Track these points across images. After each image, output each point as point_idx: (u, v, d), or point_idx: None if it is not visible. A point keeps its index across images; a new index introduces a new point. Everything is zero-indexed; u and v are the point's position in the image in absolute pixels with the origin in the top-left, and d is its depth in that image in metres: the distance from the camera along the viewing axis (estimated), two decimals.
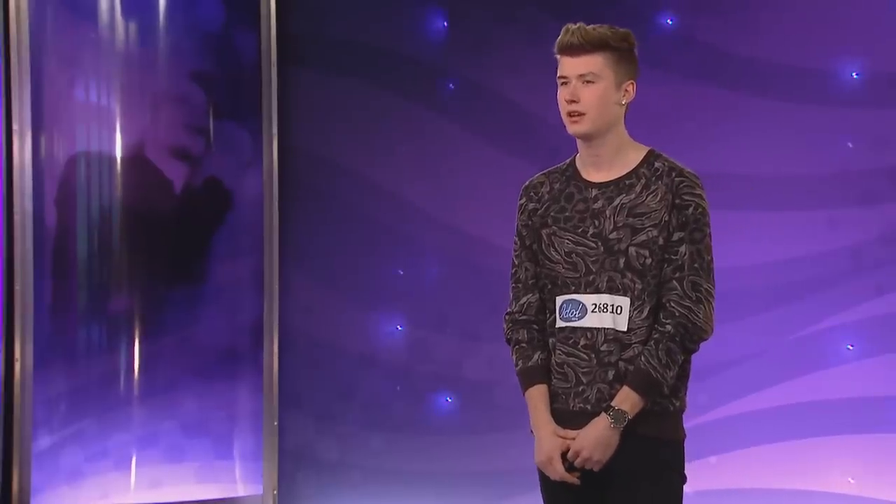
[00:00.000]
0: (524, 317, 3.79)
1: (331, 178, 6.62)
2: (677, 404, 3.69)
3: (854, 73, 5.85)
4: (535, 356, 3.76)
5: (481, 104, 6.41)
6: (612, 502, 3.68)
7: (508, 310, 3.83)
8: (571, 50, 3.68)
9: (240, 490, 6.62)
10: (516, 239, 3.83)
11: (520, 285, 3.81)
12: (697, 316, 3.63)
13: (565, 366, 3.70)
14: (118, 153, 6.35)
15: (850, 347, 5.84)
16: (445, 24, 6.47)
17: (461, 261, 6.43)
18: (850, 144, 5.85)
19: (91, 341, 6.30)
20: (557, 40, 3.70)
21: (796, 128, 5.92)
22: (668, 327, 3.62)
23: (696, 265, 3.64)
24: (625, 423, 3.61)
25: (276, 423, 6.67)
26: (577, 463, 3.65)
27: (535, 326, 3.77)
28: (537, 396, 3.73)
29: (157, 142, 6.42)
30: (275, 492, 6.68)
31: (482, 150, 6.42)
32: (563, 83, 3.70)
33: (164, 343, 6.43)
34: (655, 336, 3.63)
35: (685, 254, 3.64)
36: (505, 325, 3.82)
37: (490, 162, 6.40)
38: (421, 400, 6.52)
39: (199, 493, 6.50)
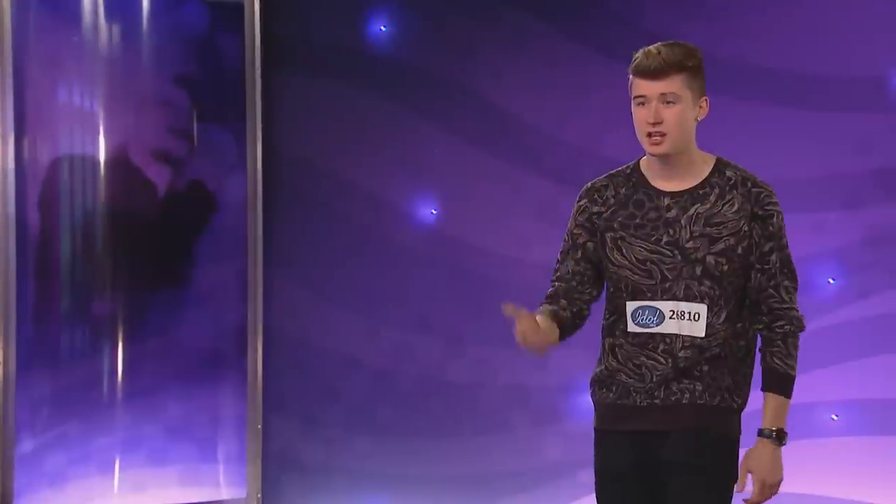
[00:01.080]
0: (552, 293, 3.87)
1: (315, 181, 6.62)
2: (739, 402, 3.79)
3: (838, 77, 5.89)
4: (553, 306, 3.82)
5: (464, 107, 6.41)
6: (670, 493, 3.75)
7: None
8: (653, 73, 3.73)
9: (223, 494, 6.62)
10: (566, 238, 3.89)
11: (556, 278, 3.89)
12: (799, 314, 3.80)
13: (643, 367, 3.79)
14: (101, 156, 6.34)
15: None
16: (428, 27, 6.49)
17: (445, 263, 6.43)
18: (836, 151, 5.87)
19: (74, 344, 6.30)
20: (635, 64, 3.75)
21: (780, 131, 5.94)
22: (787, 326, 3.77)
23: (785, 270, 3.77)
24: (785, 438, 3.76)
25: (260, 427, 6.66)
26: (766, 495, 3.74)
27: (561, 301, 3.84)
28: (540, 308, 3.80)
29: (141, 145, 6.41)
30: (259, 495, 6.67)
31: (465, 152, 6.42)
32: (640, 103, 3.75)
33: (147, 346, 6.43)
34: (778, 337, 3.77)
35: (777, 262, 3.76)
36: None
37: (473, 164, 6.41)
38: (406, 403, 6.52)
39: (183, 496, 6.49)
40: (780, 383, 3.75)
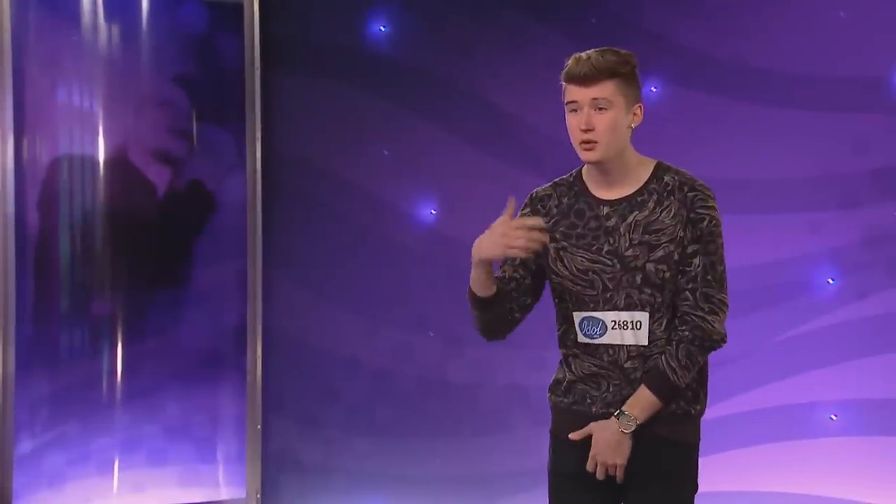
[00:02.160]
0: None
1: (314, 181, 6.60)
2: (698, 408, 3.77)
3: (836, 77, 5.86)
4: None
5: (463, 107, 6.41)
6: (627, 503, 3.75)
7: None
8: (584, 79, 3.72)
9: (223, 494, 6.61)
10: None
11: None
12: (711, 325, 3.69)
13: (598, 376, 3.76)
14: (101, 156, 6.33)
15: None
16: (428, 27, 6.48)
17: (444, 263, 6.41)
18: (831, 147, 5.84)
19: (73, 345, 6.29)
20: (566, 70, 3.74)
21: (777, 131, 5.93)
22: (686, 332, 3.69)
23: (708, 277, 3.70)
24: (634, 427, 3.68)
25: (259, 427, 6.65)
26: (596, 468, 3.71)
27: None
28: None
29: (140, 145, 6.40)
30: (258, 495, 6.66)
31: (464, 152, 6.42)
32: (572, 109, 3.75)
33: (146, 346, 6.42)
34: (674, 340, 3.70)
35: (699, 265, 3.70)
36: None
37: (472, 164, 6.40)
38: (405, 403, 6.51)
39: (182, 496, 6.49)
40: (655, 381, 3.69)
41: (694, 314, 3.69)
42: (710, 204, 3.72)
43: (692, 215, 3.70)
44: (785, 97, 5.91)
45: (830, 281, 5.88)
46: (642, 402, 3.70)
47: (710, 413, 5.75)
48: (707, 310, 3.70)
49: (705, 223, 3.70)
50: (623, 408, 3.70)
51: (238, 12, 6.59)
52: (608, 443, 3.69)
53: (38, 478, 6.17)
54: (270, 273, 6.66)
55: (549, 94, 6.27)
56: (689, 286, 3.69)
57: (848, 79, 5.83)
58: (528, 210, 3.87)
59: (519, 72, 6.33)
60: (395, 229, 6.51)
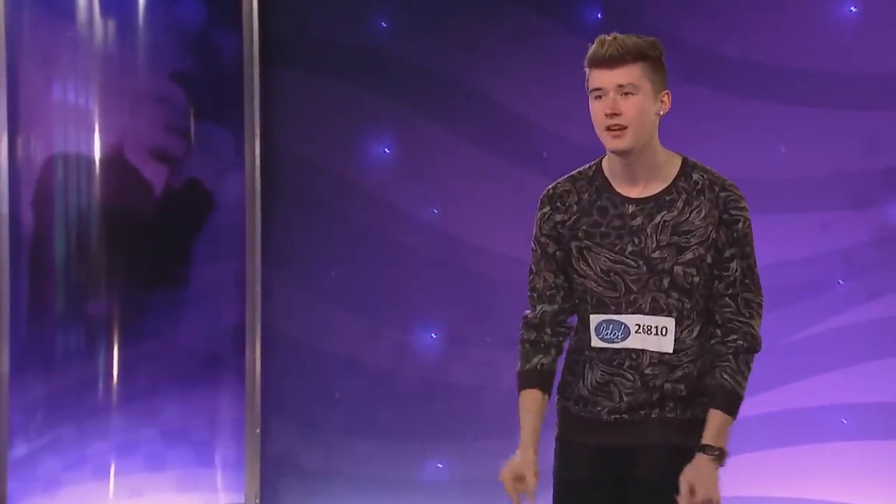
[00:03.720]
0: (537, 321, 3.75)
1: (314, 179, 6.59)
2: (703, 415, 3.68)
3: (847, 74, 5.87)
4: (536, 360, 3.73)
5: (466, 104, 6.38)
6: None
7: (525, 313, 3.79)
8: (609, 62, 3.58)
9: (221, 499, 6.61)
10: (535, 246, 3.76)
11: (535, 294, 3.77)
12: (755, 329, 3.65)
13: (610, 384, 3.68)
14: (97, 154, 6.34)
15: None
16: (430, 23, 6.46)
17: (447, 262, 6.42)
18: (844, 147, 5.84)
19: (69, 346, 6.30)
20: (591, 53, 3.61)
21: (785, 129, 5.92)
22: (739, 341, 3.63)
23: (747, 280, 3.64)
24: (725, 458, 3.62)
25: (258, 430, 6.66)
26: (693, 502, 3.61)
27: (546, 331, 3.74)
28: (527, 404, 3.72)
29: (137, 143, 6.41)
30: (257, 500, 6.66)
31: (468, 150, 6.39)
32: (597, 97, 3.61)
33: (143, 348, 6.43)
34: (729, 352, 3.62)
35: (737, 270, 3.63)
36: (520, 329, 3.79)
37: (476, 163, 6.40)
38: (406, 405, 6.50)
39: (180, 501, 6.50)
40: (726, 400, 3.61)
41: (738, 320, 3.63)
42: (742, 205, 3.65)
43: (725, 217, 3.62)
44: (794, 94, 5.91)
45: (840, 282, 5.86)
46: (720, 427, 3.62)
47: None
48: (748, 315, 3.64)
49: (740, 225, 3.63)
50: (704, 441, 3.60)
51: (237, 7, 6.58)
52: (709, 483, 3.59)
53: (32, 483, 6.17)
54: (270, 273, 6.67)
55: (555, 92, 6.31)
56: (730, 291, 3.63)
57: (860, 75, 5.81)
58: (547, 209, 3.73)
59: (523, 68, 6.34)
60: (396, 229, 6.49)
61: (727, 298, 3.63)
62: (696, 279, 3.62)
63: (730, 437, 3.64)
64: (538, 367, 3.72)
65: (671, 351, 3.63)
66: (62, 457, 6.25)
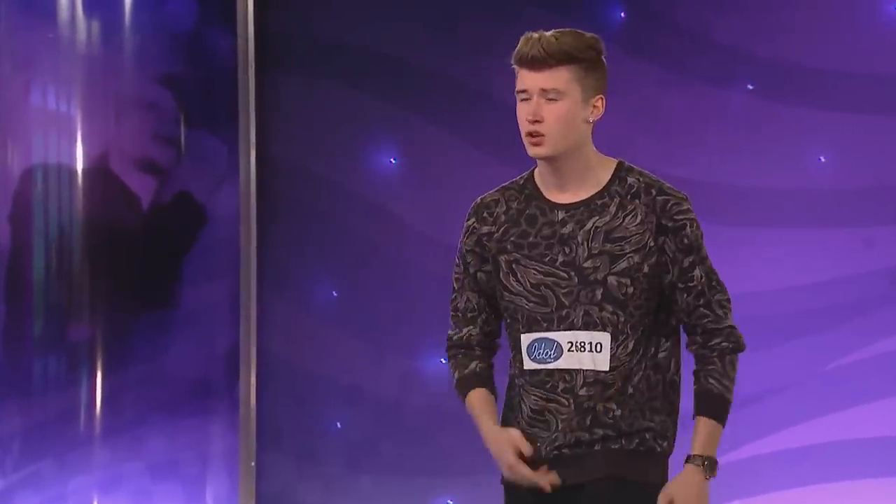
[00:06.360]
0: (463, 342, 3.73)
1: (314, 192, 6.54)
2: (664, 445, 3.62)
3: (890, 76, 5.76)
4: (472, 365, 3.71)
5: (477, 110, 6.29)
6: None
7: (449, 333, 3.76)
8: (532, 63, 3.53)
9: None
10: (459, 263, 3.70)
11: (458, 314, 3.73)
12: (736, 329, 3.64)
13: (546, 412, 3.59)
14: (79, 165, 6.30)
15: None
16: (434, 24, 6.38)
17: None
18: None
19: (48, 373, 6.28)
20: (515, 51, 3.57)
21: (826, 137, 5.85)
22: (724, 343, 3.60)
23: (713, 283, 3.62)
24: (715, 467, 3.58)
25: (253, 464, 6.61)
26: None
27: (476, 349, 3.73)
28: (477, 403, 3.67)
29: (123, 152, 6.37)
30: None
31: (481, 160, 6.26)
32: (522, 99, 3.58)
33: (129, 375, 6.36)
34: (714, 355, 3.60)
35: (701, 277, 3.60)
36: (447, 349, 3.77)
37: (487, 173, 6.32)
38: (412, 437, 6.43)
39: None
40: (713, 406, 3.58)
41: (719, 326, 3.60)
42: (685, 207, 3.56)
43: (669, 224, 3.55)
44: (834, 98, 5.82)
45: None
46: (708, 435, 3.57)
47: (750, 450, 5.95)
48: (724, 315, 3.61)
49: (688, 230, 3.56)
50: (693, 453, 3.56)
51: (230, 6, 6.57)
52: (693, 495, 3.54)
53: None
54: (266, 293, 6.63)
55: None
56: (702, 301, 3.59)
57: None
58: (472, 221, 3.68)
59: None
60: (402, 245, 6.43)
61: (702, 309, 3.59)
62: (631, 290, 3.53)
63: (719, 445, 3.61)
64: (476, 369, 3.69)
65: (607, 369, 3.55)
66: (40, 493, 6.23)
